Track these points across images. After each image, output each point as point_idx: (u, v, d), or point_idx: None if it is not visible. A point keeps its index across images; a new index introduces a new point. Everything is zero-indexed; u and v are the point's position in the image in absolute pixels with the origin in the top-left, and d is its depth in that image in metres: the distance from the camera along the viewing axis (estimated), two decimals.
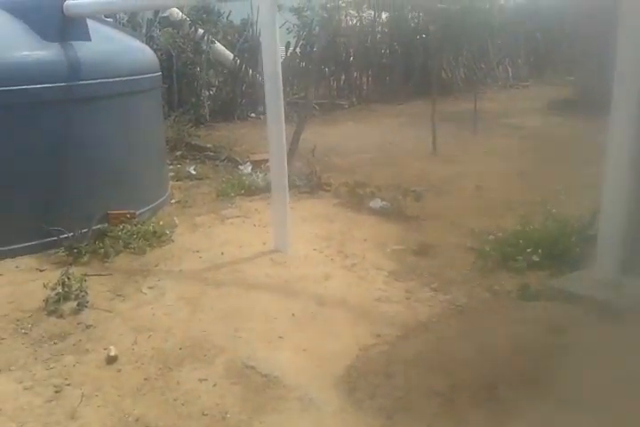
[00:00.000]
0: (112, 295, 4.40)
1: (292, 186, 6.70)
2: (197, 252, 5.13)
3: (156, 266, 4.91)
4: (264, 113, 12.19)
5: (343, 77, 14.30)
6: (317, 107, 12.50)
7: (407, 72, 15.17)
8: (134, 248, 5.20)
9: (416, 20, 15.23)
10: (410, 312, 3.94)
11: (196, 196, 7.07)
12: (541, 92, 14.98)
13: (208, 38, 11.80)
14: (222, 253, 5.04)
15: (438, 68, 15.40)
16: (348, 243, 5.20)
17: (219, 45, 12.56)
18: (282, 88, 4.77)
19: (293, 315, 3.91)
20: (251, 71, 12.49)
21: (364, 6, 14.07)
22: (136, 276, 4.71)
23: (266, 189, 7.01)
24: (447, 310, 3.97)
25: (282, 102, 4.80)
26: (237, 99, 12.34)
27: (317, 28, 13.18)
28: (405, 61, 15.03)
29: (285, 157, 5.04)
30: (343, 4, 13.83)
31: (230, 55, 12.45)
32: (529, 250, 4.57)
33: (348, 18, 14.09)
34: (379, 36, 14.56)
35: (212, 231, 5.65)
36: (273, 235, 5.09)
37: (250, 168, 8.08)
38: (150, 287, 4.48)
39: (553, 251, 4.59)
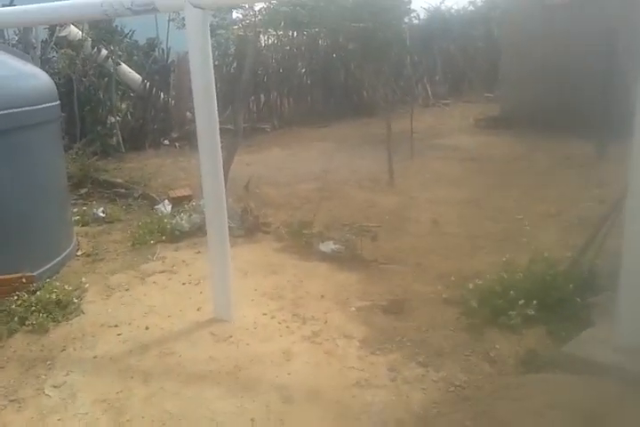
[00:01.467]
0: (4, 401, 3.29)
1: None
2: (115, 327, 4.07)
3: (63, 350, 3.81)
4: (178, 140, 11.35)
5: (263, 99, 13.46)
6: None
7: (328, 93, 14.58)
8: (33, 325, 4.08)
9: (332, 39, 14.68)
10: (402, 402, 3.09)
11: (107, 245, 5.96)
12: (463, 110, 14.76)
13: (113, 60, 10.64)
14: (147, 328, 4.01)
15: (360, 88, 14.98)
16: (302, 302, 4.30)
17: (125, 67, 11.42)
18: (217, 113, 3.87)
19: (253, 420, 2.96)
20: (162, 95, 11.42)
21: (281, 24, 13.33)
22: (36, 367, 3.61)
23: (192, 233, 6.04)
24: (446, 393, 3.14)
25: (217, 129, 3.88)
26: (148, 125, 11.20)
27: (233, 48, 12.36)
28: (325, 81, 14.43)
29: (224, 196, 4.08)
30: (259, 22, 13.06)
31: (138, 78, 11.33)
32: (521, 302, 3.85)
33: (266, 36, 13.32)
34: (297, 55, 13.85)
35: (131, 295, 4.59)
36: (212, 298, 4.12)
37: (169, 207, 7.03)
38: (56, 386, 3.40)
39: (547, 301, 3.89)
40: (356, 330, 3.85)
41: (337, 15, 14.43)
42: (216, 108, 3.89)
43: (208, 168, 3.96)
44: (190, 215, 6.20)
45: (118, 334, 3.97)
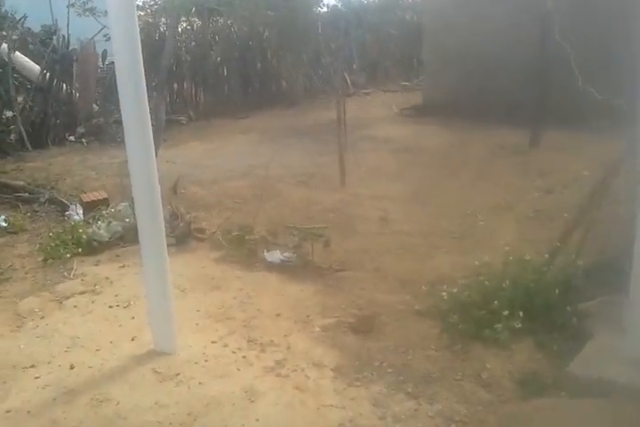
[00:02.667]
0: None
1: None
2: (31, 367, 3.34)
3: None
4: (86, 135, 10.30)
5: (176, 89, 12.57)
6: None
7: (245, 82, 13.88)
8: None
9: (247, 27, 13.94)
10: None
11: (12, 260, 5.13)
12: (384, 99, 14.51)
13: (8, 47, 9.46)
14: (72, 367, 3.31)
15: (278, 77, 14.39)
16: (256, 323, 3.72)
17: (20, 56, 10.23)
18: (147, 102, 3.20)
19: None
20: (65, 86, 10.31)
21: (192, 10, 12.45)
22: None
23: (113, 243, 5.30)
24: None
25: (148, 121, 3.21)
26: (50, 120, 10.07)
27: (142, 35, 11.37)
28: (242, 70, 13.72)
29: (160, 200, 3.41)
30: (169, 7, 12.12)
31: (36, 68, 10.17)
32: (505, 313, 3.46)
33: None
34: (211, 43, 13.04)
35: (47, 325, 3.84)
36: (151, 325, 3.45)
37: (81, 212, 6.20)
38: None
39: (532, 310, 3.53)
40: (326, 356, 3.32)
41: (249, 2, 13.77)
42: (146, 97, 3.23)
43: (139, 168, 3.29)
44: (109, 223, 5.44)
45: (36, 378, 3.24)
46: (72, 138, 10.15)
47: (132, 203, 5.76)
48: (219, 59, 13.17)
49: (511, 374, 3.11)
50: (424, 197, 6.31)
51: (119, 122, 10.48)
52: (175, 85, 12.61)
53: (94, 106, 10.72)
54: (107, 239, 5.25)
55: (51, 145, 9.88)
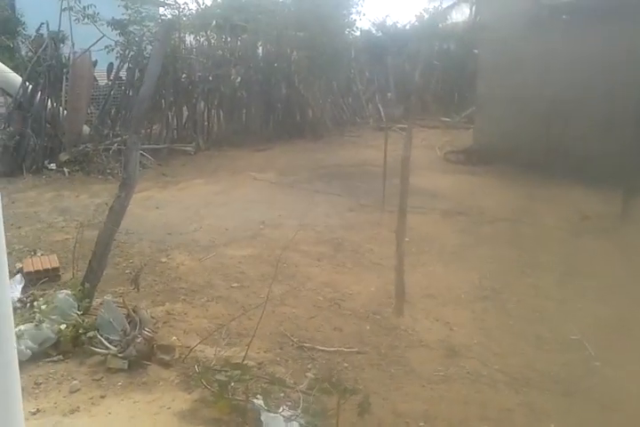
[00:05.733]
0: None
1: (89, 352, 3.34)
2: None
3: None
4: (69, 164, 7.96)
5: (186, 113, 10.85)
6: (149, 156, 8.94)
7: (267, 108, 12.15)
8: None
9: (273, 47, 12.27)
10: None
11: None
12: (425, 137, 12.71)
13: None
14: None
15: (304, 105, 12.65)
16: None
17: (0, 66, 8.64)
18: None
19: None
20: (50, 102, 8.65)
21: (212, 24, 10.82)
22: None
23: (42, 353, 3.49)
24: None
25: None
26: (27, 142, 8.39)
27: (149, 48, 9.72)
28: (264, 95, 11.99)
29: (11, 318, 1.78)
30: (185, 21, 10.51)
31: (17, 79, 8.56)
32: None
33: (192, 37, 10.77)
34: (231, 62, 11.33)
35: None
36: None
37: (19, 289, 4.42)
38: None
39: None
40: None
41: (277, 20, 12.14)
42: None
43: None
44: (39, 324, 3.62)
45: None
46: (52, 166, 8.45)
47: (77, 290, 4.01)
48: (239, 80, 11.45)
49: None
50: (501, 298, 4.44)
51: (111, 150, 8.84)
52: (185, 109, 10.93)
53: (85, 128, 9.04)
54: (28, 356, 3.42)
55: (25, 173, 8.20)
